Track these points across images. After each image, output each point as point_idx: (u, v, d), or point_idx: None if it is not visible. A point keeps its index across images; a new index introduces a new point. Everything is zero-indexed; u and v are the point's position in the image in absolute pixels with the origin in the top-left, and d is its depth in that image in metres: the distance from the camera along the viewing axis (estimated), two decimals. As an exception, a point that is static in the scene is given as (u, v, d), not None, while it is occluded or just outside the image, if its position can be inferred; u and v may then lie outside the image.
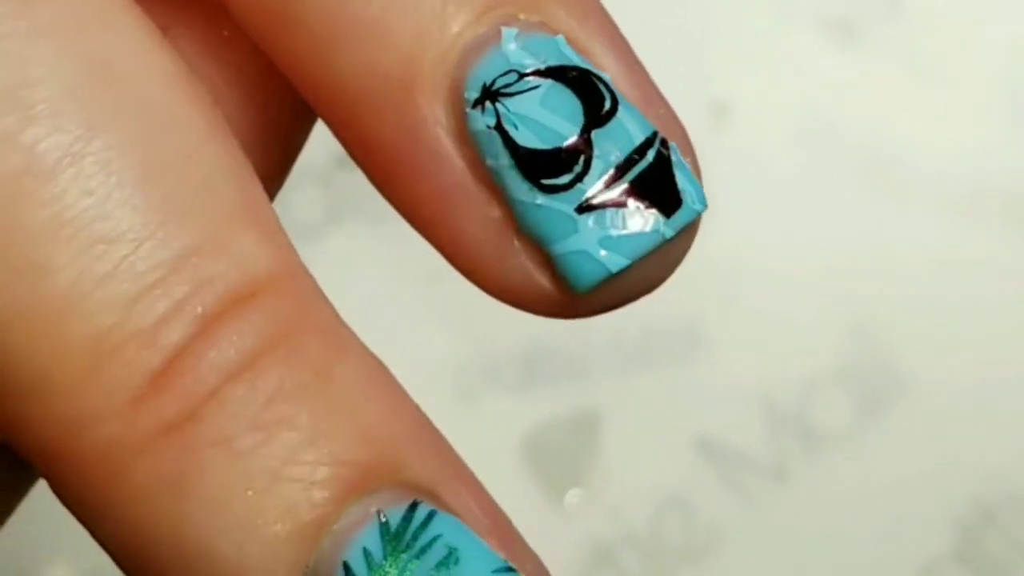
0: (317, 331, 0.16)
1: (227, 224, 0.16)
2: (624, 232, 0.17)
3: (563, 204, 0.17)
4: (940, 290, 0.35)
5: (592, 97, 0.17)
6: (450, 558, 0.16)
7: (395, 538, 0.16)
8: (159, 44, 0.17)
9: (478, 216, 0.17)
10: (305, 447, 0.16)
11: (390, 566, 0.16)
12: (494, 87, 0.17)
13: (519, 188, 0.17)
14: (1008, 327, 0.35)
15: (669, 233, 0.17)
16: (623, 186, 0.17)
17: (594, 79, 0.17)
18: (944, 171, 0.36)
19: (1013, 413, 0.35)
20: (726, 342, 0.35)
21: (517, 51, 0.17)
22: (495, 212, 0.17)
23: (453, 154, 0.17)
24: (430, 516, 0.16)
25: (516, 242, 0.17)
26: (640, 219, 0.17)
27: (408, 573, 0.16)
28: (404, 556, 0.16)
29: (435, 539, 0.16)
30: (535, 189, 0.17)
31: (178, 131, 0.16)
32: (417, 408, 0.17)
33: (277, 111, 0.18)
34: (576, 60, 0.17)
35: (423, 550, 0.16)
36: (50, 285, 0.16)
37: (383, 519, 0.16)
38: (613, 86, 0.17)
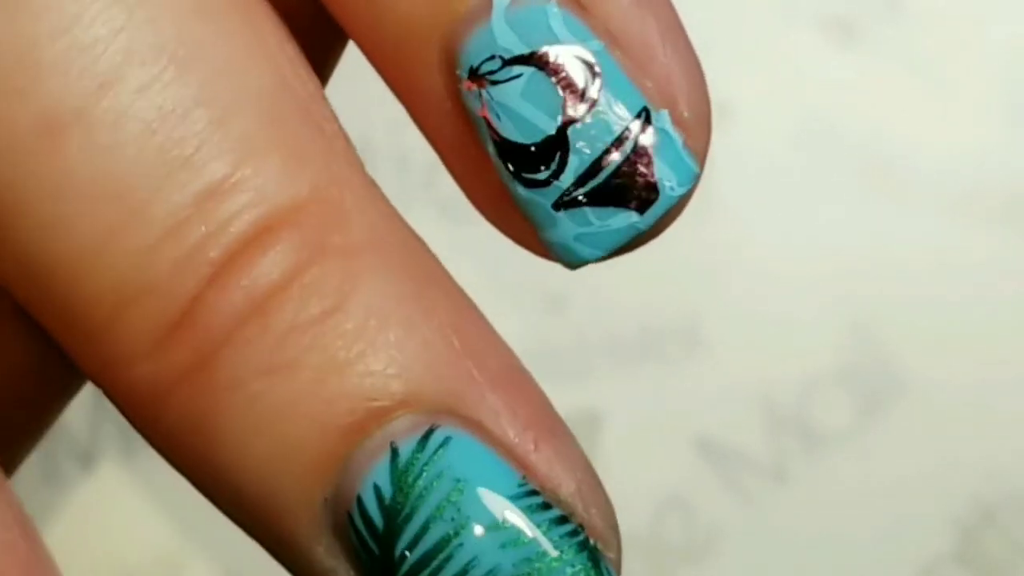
0: (337, 254, 0.16)
1: (246, 156, 0.16)
2: (598, 229, 0.17)
3: (542, 198, 0.17)
4: (940, 290, 0.35)
5: (573, 85, 0.16)
6: (457, 490, 0.16)
7: (404, 471, 0.16)
8: None
9: (482, 180, 0.17)
10: (319, 383, 0.16)
11: (399, 500, 0.16)
12: (480, 71, 0.17)
13: (504, 175, 0.17)
14: (1008, 327, 0.35)
15: (644, 226, 0.17)
16: (597, 182, 0.17)
17: (579, 62, 0.16)
18: (944, 171, 0.36)
19: (1013, 413, 0.35)
20: (726, 342, 0.35)
21: (504, 31, 0.16)
22: (494, 181, 0.17)
23: (455, 121, 0.17)
24: (444, 443, 0.16)
25: (513, 211, 0.17)
26: (615, 215, 0.17)
27: (419, 508, 0.16)
28: (414, 489, 0.16)
29: (446, 469, 0.16)
30: (516, 181, 0.17)
31: (200, 65, 0.16)
32: (447, 303, 0.17)
33: (309, 29, 0.18)
34: (564, 35, 0.16)
35: (433, 482, 0.16)
36: (68, 240, 0.16)
37: (395, 452, 0.16)
38: (602, 59, 0.17)
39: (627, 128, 0.17)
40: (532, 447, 0.17)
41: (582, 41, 0.17)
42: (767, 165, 0.36)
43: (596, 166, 0.17)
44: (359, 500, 0.16)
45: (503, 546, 0.16)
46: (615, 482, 0.35)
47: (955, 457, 0.34)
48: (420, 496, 0.16)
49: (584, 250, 0.17)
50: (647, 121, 0.17)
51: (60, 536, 0.34)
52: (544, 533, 0.16)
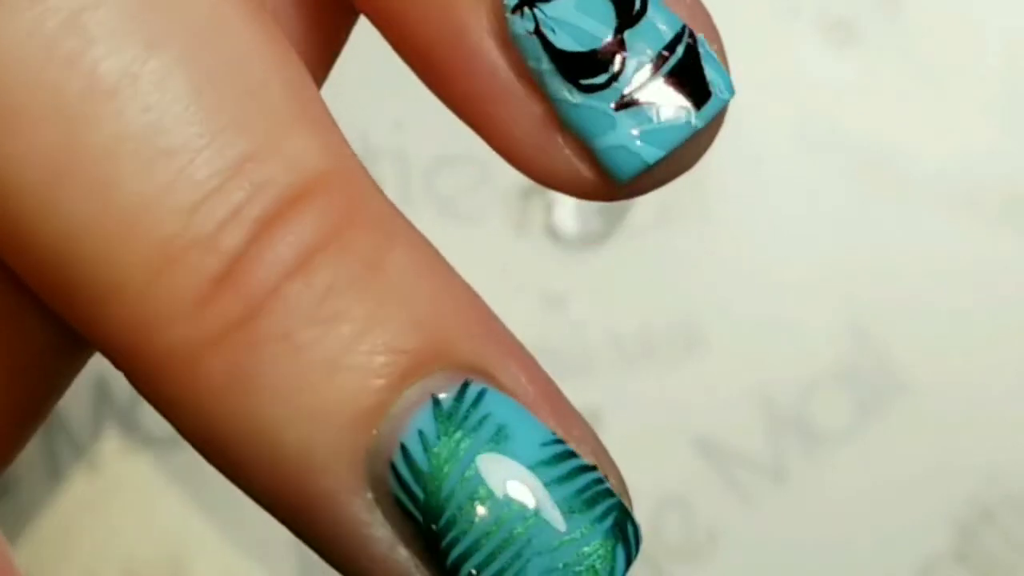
0: (368, 224, 0.17)
1: (279, 127, 0.17)
2: (658, 126, 0.18)
3: (601, 102, 0.18)
4: (940, 291, 0.35)
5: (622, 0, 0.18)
6: (500, 434, 0.17)
7: (447, 418, 0.17)
8: None
9: (523, 114, 0.18)
10: (360, 337, 0.17)
11: (444, 445, 0.17)
12: None
13: (559, 88, 0.18)
14: (1007, 327, 0.35)
15: (700, 124, 0.18)
16: (656, 82, 0.18)
17: None
18: (943, 172, 0.36)
19: (1012, 413, 0.35)
20: (725, 342, 0.35)
21: None
22: (538, 109, 0.18)
23: (496, 56, 0.18)
24: (481, 395, 0.17)
25: (559, 137, 0.18)
26: (672, 112, 0.18)
27: (461, 451, 0.17)
28: (457, 435, 0.17)
29: (485, 417, 0.17)
30: (574, 89, 0.18)
31: (230, 42, 0.17)
32: (467, 289, 0.18)
33: (320, 5, 0.19)
34: None
35: (474, 428, 0.17)
36: (116, 199, 0.17)
37: (436, 401, 0.17)
38: None
39: (676, 37, 0.18)
40: (551, 410, 0.18)
41: None
42: (766, 165, 0.36)
43: (654, 66, 0.18)
44: (403, 447, 0.17)
45: (541, 489, 0.17)
46: (615, 482, 0.35)
47: (954, 457, 0.35)
48: (462, 441, 0.17)
49: (645, 149, 0.18)
50: (692, 35, 0.18)
51: (61, 534, 0.34)
52: (576, 479, 0.17)
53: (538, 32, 0.18)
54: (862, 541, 0.34)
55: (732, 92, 0.18)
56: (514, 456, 0.17)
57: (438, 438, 0.17)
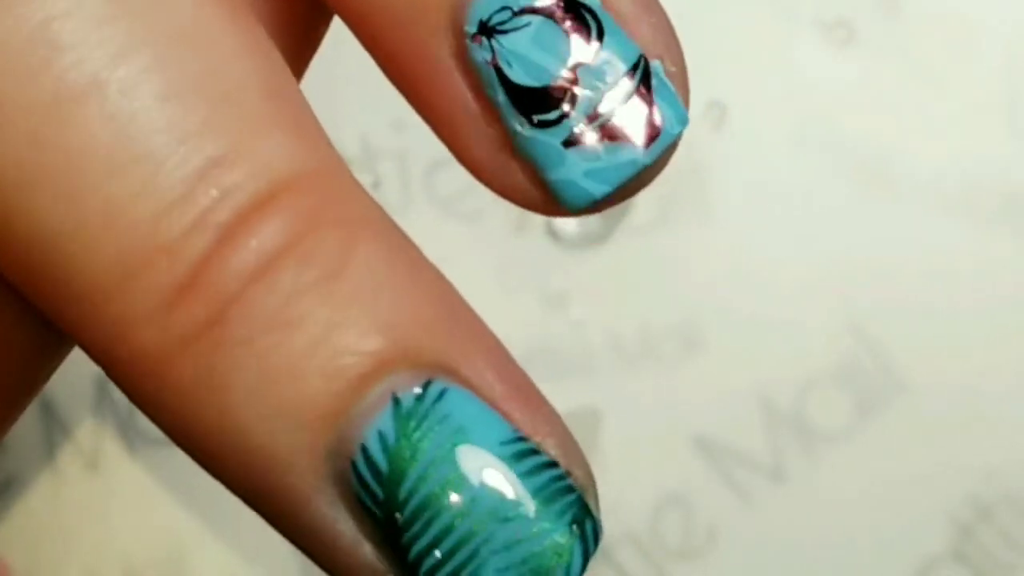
0: (336, 224, 0.17)
1: (249, 132, 0.17)
2: (606, 164, 0.18)
3: (551, 138, 0.18)
4: (937, 290, 0.35)
5: (579, 31, 0.18)
6: (459, 434, 0.17)
7: (407, 418, 0.17)
8: None
9: (482, 135, 0.18)
10: (321, 342, 0.17)
11: (402, 446, 0.17)
12: (490, 23, 0.18)
13: (513, 120, 0.18)
14: (1006, 328, 0.35)
15: (648, 160, 0.18)
16: (605, 120, 0.18)
17: (581, 10, 0.18)
18: (942, 172, 0.36)
19: (1011, 412, 0.35)
20: (724, 342, 0.35)
21: None
22: (495, 133, 0.18)
23: (457, 78, 0.18)
24: (442, 393, 0.17)
25: (514, 162, 0.18)
26: (620, 151, 0.18)
27: (420, 451, 0.17)
28: (416, 435, 0.17)
29: (445, 417, 0.17)
30: (527, 123, 0.18)
31: (207, 46, 0.17)
32: (437, 283, 0.18)
33: (293, 5, 0.19)
34: None
35: (433, 428, 0.17)
36: (85, 206, 0.17)
37: (397, 401, 0.17)
38: (600, 13, 0.18)
39: (630, 70, 0.18)
40: (516, 405, 0.18)
41: None
42: (765, 165, 0.36)
43: (604, 105, 0.18)
44: (363, 448, 0.17)
45: (500, 486, 0.17)
46: (614, 481, 0.35)
47: (953, 456, 0.35)
48: (421, 440, 0.17)
49: (593, 186, 0.18)
50: (646, 66, 0.18)
51: (63, 533, 0.34)
52: (536, 477, 0.17)
53: (495, 64, 0.18)
54: (861, 540, 0.34)
55: (684, 123, 0.18)
56: (473, 456, 0.17)
57: (397, 439, 0.17)
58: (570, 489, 0.18)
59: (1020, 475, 0.35)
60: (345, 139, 0.35)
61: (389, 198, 0.36)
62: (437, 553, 0.17)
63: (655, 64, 0.18)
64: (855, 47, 0.36)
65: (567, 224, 0.35)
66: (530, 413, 0.18)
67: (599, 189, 0.18)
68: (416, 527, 0.17)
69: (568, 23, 0.18)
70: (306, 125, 0.18)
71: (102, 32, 0.17)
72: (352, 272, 0.17)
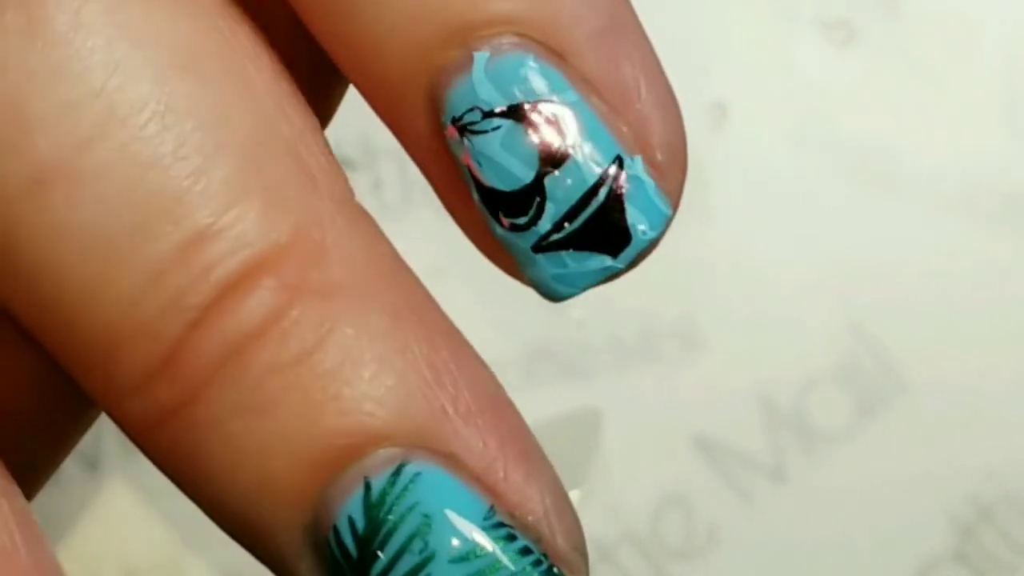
0: (312, 298, 0.17)
1: (225, 206, 0.17)
2: (574, 271, 0.18)
3: (521, 241, 0.18)
4: (938, 290, 0.35)
5: (549, 138, 0.17)
6: (425, 524, 0.17)
7: (377, 506, 0.17)
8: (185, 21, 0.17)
9: (466, 213, 0.18)
10: (294, 424, 0.17)
11: (371, 534, 0.17)
12: (462, 122, 0.17)
13: (487, 216, 0.18)
14: (1006, 328, 0.35)
15: (621, 266, 0.18)
16: (572, 229, 0.18)
17: (555, 116, 0.17)
18: (942, 172, 0.36)
19: (1011, 412, 0.35)
20: (725, 342, 0.35)
21: (484, 84, 0.17)
22: (480, 216, 0.18)
23: (443, 160, 0.18)
24: (415, 478, 0.17)
25: (497, 243, 0.18)
26: (589, 259, 0.18)
27: (387, 542, 0.17)
28: (383, 526, 0.17)
29: (414, 506, 0.17)
30: (497, 223, 0.18)
31: (176, 122, 0.17)
32: (415, 348, 0.17)
33: (306, 71, 0.19)
34: (541, 88, 0.17)
35: (401, 518, 0.17)
36: (66, 284, 0.17)
37: (368, 487, 0.17)
38: (578, 109, 0.17)
39: (601, 177, 0.17)
40: (501, 475, 0.17)
41: (559, 92, 0.17)
42: (765, 165, 0.36)
43: (571, 213, 0.17)
44: (335, 530, 0.17)
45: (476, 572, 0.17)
46: (615, 481, 0.35)
47: (953, 456, 0.35)
48: (391, 530, 0.17)
49: (562, 288, 0.18)
50: (620, 168, 0.18)
51: (63, 539, 0.34)
52: (508, 561, 0.17)
53: (468, 163, 0.17)
54: (861, 540, 0.34)
55: (662, 225, 0.18)
56: (441, 547, 0.17)
57: (366, 527, 0.17)
58: (546, 572, 0.17)
59: (1020, 475, 0.35)
60: (345, 139, 0.35)
61: (389, 199, 0.36)
62: None
63: (635, 161, 0.18)
64: (855, 47, 0.36)
65: (567, 224, 0.35)
66: (516, 481, 0.17)
67: (568, 291, 0.18)
68: None
69: (538, 127, 0.17)
70: (293, 181, 0.17)
71: (79, 110, 0.17)
72: (329, 348, 0.17)
